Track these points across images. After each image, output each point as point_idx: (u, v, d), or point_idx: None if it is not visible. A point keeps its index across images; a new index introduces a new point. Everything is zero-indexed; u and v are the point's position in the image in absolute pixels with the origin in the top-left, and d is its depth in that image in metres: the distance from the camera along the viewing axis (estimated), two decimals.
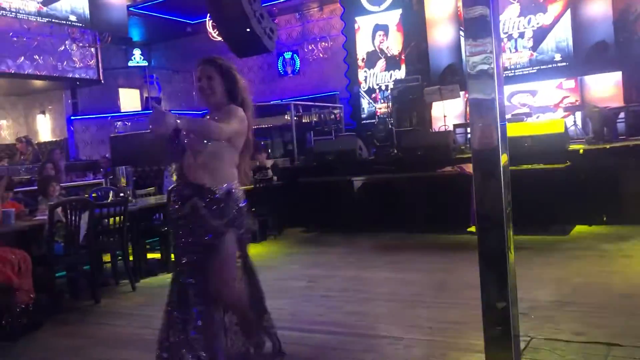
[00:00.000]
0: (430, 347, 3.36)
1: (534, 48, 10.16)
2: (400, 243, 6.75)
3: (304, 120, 11.51)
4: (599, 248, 5.61)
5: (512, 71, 10.24)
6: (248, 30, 7.95)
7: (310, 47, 13.89)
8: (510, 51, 10.32)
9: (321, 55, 13.65)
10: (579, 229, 6.45)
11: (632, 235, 5.88)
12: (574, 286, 4.38)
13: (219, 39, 10.48)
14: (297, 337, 3.76)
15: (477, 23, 2.08)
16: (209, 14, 11.38)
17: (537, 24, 10.09)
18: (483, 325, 2.33)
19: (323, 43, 13.61)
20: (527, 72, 10.16)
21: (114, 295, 5.33)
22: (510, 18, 10.25)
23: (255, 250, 7.03)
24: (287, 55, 14.10)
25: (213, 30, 12.22)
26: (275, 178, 8.36)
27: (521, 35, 10.23)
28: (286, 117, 11.33)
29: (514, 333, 2.36)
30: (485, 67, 2.10)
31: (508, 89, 9.93)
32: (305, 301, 4.62)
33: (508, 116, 8.81)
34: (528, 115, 9.01)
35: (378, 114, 11.84)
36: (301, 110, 11.65)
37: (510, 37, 10.30)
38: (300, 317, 4.18)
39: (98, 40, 12.72)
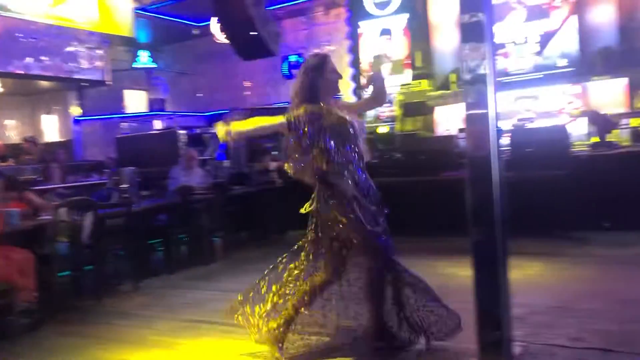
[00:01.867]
0: (424, 352, 3.38)
1: (539, 53, 10.17)
2: (402, 246, 6.73)
3: None
4: (599, 254, 5.61)
5: (517, 76, 10.24)
6: (253, 33, 8.01)
7: (316, 51, 13.93)
8: (516, 56, 10.32)
9: None
10: (581, 235, 6.44)
11: (634, 242, 5.87)
12: (573, 292, 4.39)
13: (225, 41, 10.56)
14: (295, 339, 3.79)
15: (473, 29, 2.10)
16: (214, 17, 11.44)
17: (543, 29, 10.10)
18: (477, 330, 2.35)
19: (328, 47, 13.64)
20: (532, 77, 10.17)
21: (117, 295, 5.38)
22: (514, 24, 10.27)
23: (257, 252, 7.11)
24: (293, 58, 14.14)
25: (219, 33, 12.27)
26: (279, 181, 8.41)
27: (526, 40, 10.23)
28: None
29: (508, 338, 2.37)
30: (480, 72, 2.13)
31: (513, 94, 9.95)
32: None
33: (511, 121, 8.84)
34: (531, 120, 9.02)
35: (382, 117, 11.87)
36: None
37: (515, 43, 10.31)
38: (300, 320, 4.19)
39: (105, 42, 12.80)
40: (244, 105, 13.53)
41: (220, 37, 11.99)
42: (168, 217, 6.58)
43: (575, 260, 5.43)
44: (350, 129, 3.33)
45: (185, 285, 5.72)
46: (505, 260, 2.25)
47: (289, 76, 14.22)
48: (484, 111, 2.11)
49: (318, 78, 3.30)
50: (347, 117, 3.37)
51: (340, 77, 3.48)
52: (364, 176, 3.37)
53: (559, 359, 3.12)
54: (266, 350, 3.54)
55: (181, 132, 10.31)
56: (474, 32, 2.09)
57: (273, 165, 8.71)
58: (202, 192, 6.84)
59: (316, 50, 12.49)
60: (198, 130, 11.93)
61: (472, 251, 2.25)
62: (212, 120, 14.45)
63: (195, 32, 14.87)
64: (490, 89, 2.08)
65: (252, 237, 8.13)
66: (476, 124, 2.10)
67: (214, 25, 12.92)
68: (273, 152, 10.44)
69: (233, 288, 5.37)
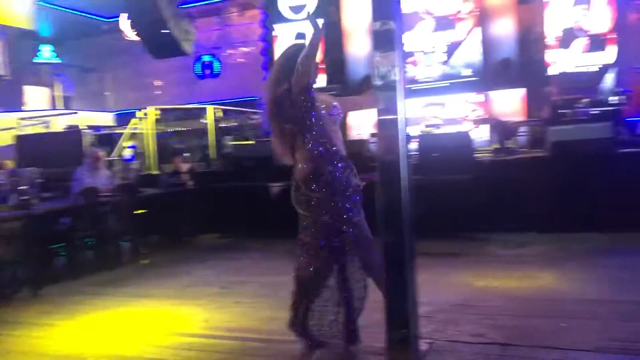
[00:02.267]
0: (334, 349, 3.43)
1: (446, 62, 10.62)
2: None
3: (222, 125, 11.41)
4: (500, 254, 5.95)
5: (425, 84, 10.64)
6: (165, 31, 7.81)
7: (230, 52, 13.80)
8: (423, 65, 10.73)
9: (241, 60, 13.60)
10: (483, 235, 6.78)
11: (531, 242, 6.28)
12: (475, 290, 4.62)
13: (135, 38, 10.21)
14: (208, 344, 3.75)
15: (383, 37, 2.17)
16: (125, 13, 11.03)
17: (449, 39, 10.56)
18: (385, 328, 2.41)
19: (243, 48, 13.56)
20: (439, 85, 10.59)
21: (12, 303, 5.05)
22: (422, 33, 10.67)
23: (168, 256, 6.93)
24: (206, 58, 13.92)
25: (129, 29, 11.85)
26: (190, 183, 8.24)
27: (434, 49, 10.66)
28: (204, 121, 11.19)
29: (415, 335, 2.45)
30: (390, 79, 2.19)
31: (421, 101, 10.32)
32: (218, 307, 4.58)
33: (419, 127, 9.18)
34: (438, 126, 9.41)
35: None
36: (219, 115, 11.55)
37: (424, 52, 10.71)
38: (212, 324, 4.15)
39: (2, 34, 12.00)
40: (155, 104, 13.13)
41: (130, 34, 11.60)
42: (72, 220, 6.27)
43: (477, 260, 5.72)
44: (335, 113, 3.34)
45: (90, 291, 5.47)
46: (413, 260, 2.33)
47: (202, 76, 13.99)
48: (394, 117, 2.18)
49: (294, 65, 3.15)
50: (332, 100, 3.35)
51: (317, 65, 3.40)
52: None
53: (462, 355, 3.27)
54: None
55: (87, 131, 9.85)
56: (384, 40, 2.15)
57: (184, 166, 8.53)
58: (108, 194, 6.58)
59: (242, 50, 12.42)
60: (105, 130, 11.46)
61: (383, 250, 2.32)
62: (121, 119, 13.94)
63: (103, 27, 14.28)
64: (400, 95, 2.15)
65: (162, 241, 7.91)
66: (386, 129, 2.17)
67: (124, 21, 12.46)
68: (184, 154, 10.24)
69: (142, 293, 5.23)
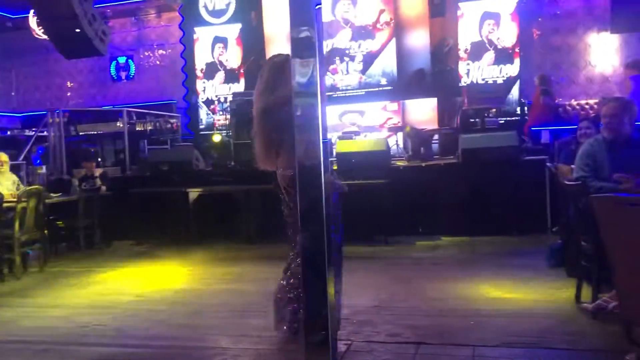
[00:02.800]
0: (258, 355, 3.44)
1: (363, 71, 10.88)
2: (236, 255, 6.79)
3: (138, 128, 11.07)
4: (414, 256, 6.17)
5: (344, 92, 10.86)
6: (78, 30, 7.52)
7: (146, 54, 13.43)
8: (342, 73, 10.94)
9: (158, 63, 13.27)
10: (398, 239, 7.00)
11: (441, 245, 6.56)
12: (392, 292, 4.77)
13: (44, 37, 9.73)
14: (121, 353, 3.64)
15: (303, 43, 2.21)
16: (33, 10, 10.48)
17: (367, 49, 10.84)
18: (304, 331, 2.45)
19: (160, 50, 13.25)
20: (357, 93, 10.83)
21: None
22: (342, 41, 10.89)
23: (80, 264, 6.64)
24: (122, 59, 13.48)
25: (37, 27, 11.27)
26: (104, 188, 7.95)
27: (352, 58, 10.89)
28: (118, 124, 10.82)
29: (333, 337, 2.50)
30: (309, 86, 2.24)
31: (339, 109, 10.52)
32: (132, 316, 4.45)
33: (338, 134, 9.34)
34: (357, 133, 9.62)
35: (216, 125, 11.81)
36: (135, 118, 11.20)
37: (342, 60, 10.92)
38: (125, 333, 4.03)
39: None
40: (66, 106, 12.56)
41: (39, 32, 11.05)
42: None
43: (393, 262, 5.91)
44: None
45: None
46: (331, 263, 2.39)
47: (117, 78, 13.53)
48: (314, 122, 2.23)
49: (281, 76, 3.22)
50: None
51: None
52: None
53: (378, 354, 3.37)
54: None
55: None
56: (303, 47, 2.20)
57: (97, 171, 8.21)
58: (13, 199, 6.22)
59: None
60: (11, 132, 10.83)
61: (301, 254, 2.36)
62: (28, 121, 13.21)
63: (8, 24, 13.48)
64: (319, 101, 2.20)
65: (73, 248, 7.57)
66: (306, 134, 2.22)
67: (32, 19, 11.84)
68: (98, 158, 9.85)
69: (49, 303, 4.98)
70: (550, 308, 4.09)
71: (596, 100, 9.56)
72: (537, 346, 3.34)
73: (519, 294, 4.50)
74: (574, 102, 10.15)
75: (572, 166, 4.40)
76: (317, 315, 2.49)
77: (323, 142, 2.33)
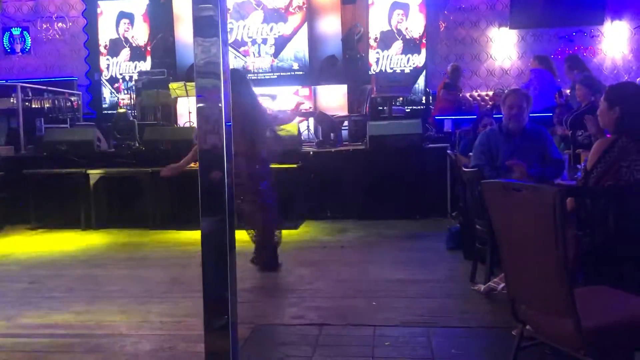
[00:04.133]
0: (160, 341, 3.37)
1: (275, 55, 10.82)
2: (139, 240, 6.57)
3: (34, 105, 10.37)
4: (323, 240, 6.26)
5: (256, 75, 10.74)
6: None
7: (44, 26, 12.55)
8: (254, 55, 10.82)
9: (57, 37, 12.44)
10: (307, 223, 7.08)
11: (349, 229, 6.70)
12: (296, 275, 4.82)
13: None
14: (13, 343, 3.43)
15: (205, 22, 2.14)
16: None
17: (279, 32, 10.77)
18: (204, 316, 2.41)
19: (60, 23, 12.43)
20: (269, 77, 10.76)
21: None
22: (254, 24, 10.75)
23: None
24: (16, 31, 12.53)
25: None
26: None
27: (264, 41, 10.79)
28: (12, 100, 10.08)
29: (234, 321, 2.48)
30: (211, 66, 2.18)
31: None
32: (25, 304, 4.20)
33: None
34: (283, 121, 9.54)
35: (121, 104, 11.32)
36: (31, 94, 10.47)
37: (254, 42, 10.80)
38: (17, 322, 3.80)
39: None
40: None
41: None
42: None
43: (301, 246, 5.95)
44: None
45: None
46: (234, 247, 2.36)
47: (12, 51, 12.59)
48: (218, 104, 2.18)
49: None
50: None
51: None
52: None
53: (281, 336, 3.41)
54: None
55: None
56: (206, 26, 2.13)
57: None
58: None
59: None
60: None
61: (202, 237, 2.32)
62: None
63: None
64: (222, 82, 2.15)
65: None
66: (209, 116, 2.17)
67: None
68: None
69: None
70: (447, 288, 4.31)
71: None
72: (434, 325, 3.50)
73: (420, 275, 4.70)
74: (475, 93, 10.66)
75: (470, 154, 4.64)
76: (219, 299, 2.46)
77: (227, 124, 2.29)
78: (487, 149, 4.26)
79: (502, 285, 3.63)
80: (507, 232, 2.29)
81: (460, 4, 10.92)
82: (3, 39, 12.50)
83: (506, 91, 5.03)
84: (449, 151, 6.52)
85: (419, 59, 10.61)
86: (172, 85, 9.37)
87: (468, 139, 5.61)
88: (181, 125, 9.54)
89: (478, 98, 10.48)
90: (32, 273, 5.13)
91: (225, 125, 2.27)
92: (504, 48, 10.87)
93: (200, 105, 2.21)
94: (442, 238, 5.71)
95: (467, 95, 10.26)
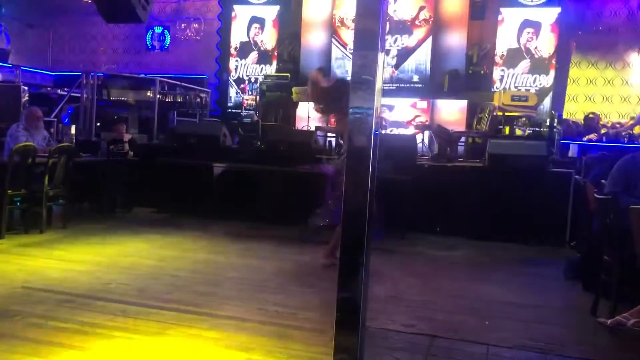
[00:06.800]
0: (277, 330, 3.52)
1: (397, 66, 10.87)
2: (255, 232, 6.85)
3: (167, 99, 11.19)
4: (431, 254, 6.18)
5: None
6: None
7: (182, 26, 13.51)
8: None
9: (193, 36, 13.35)
10: (415, 235, 6.98)
11: (459, 245, 6.56)
12: (407, 285, 4.81)
13: None
14: (143, 312, 3.73)
15: (366, 36, 2.24)
16: None
17: (402, 44, 10.82)
18: (337, 311, 2.53)
19: (197, 24, 13.32)
20: (388, 87, 10.82)
21: None
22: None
23: (100, 225, 6.77)
24: (158, 29, 13.59)
25: None
26: (131, 153, 8.07)
27: (387, 52, 10.88)
28: (149, 93, 10.94)
29: (362, 320, 2.59)
30: (368, 78, 2.27)
31: None
32: (153, 279, 4.55)
33: None
34: (385, 127, 9.63)
35: (245, 104, 11.89)
36: (166, 88, 11.31)
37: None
38: (148, 294, 4.13)
39: None
40: (100, 69, 12.68)
41: None
42: (2, 177, 6.00)
43: (410, 258, 5.94)
44: None
45: (14, 251, 5.28)
46: (369, 252, 2.47)
47: (152, 48, 13.64)
48: (370, 112, 2.29)
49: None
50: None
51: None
52: None
53: (393, 341, 3.43)
54: None
55: (24, 88, 9.42)
56: (367, 40, 2.23)
57: (126, 136, 8.33)
58: (45, 154, 6.34)
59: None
60: (44, 90, 10.98)
61: (342, 239, 2.45)
62: (61, 80, 13.38)
63: None
64: (375, 97, 2.27)
65: (95, 209, 7.71)
66: (361, 125, 2.29)
67: None
68: (126, 124, 9.97)
69: (73, 258, 5.11)
70: (565, 317, 4.12)
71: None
72: (551, 352, 3.37)
73: (534, 300, 4.53)
74: (606, 120, 10.07)
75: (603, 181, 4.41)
76: (351, 299, 2.56)
77: (374, 133, 2.39)
78: (625, 177, 4.04)
79: (633, 320, 3.42)
80: None
81: (598, 25, 10.38)
82: (146, 37, 13.57)
83: None
84: (576, 176, 6.21)
85: (547, 80, 10.21)
86: (295, 90, 9.70)
87: (603, 167, 5.30)
88: (300, 128, 9.85)
89: (608, 125, 9.88)
90: (158, 253, 5.53)
91: (374, 134, 2.38)
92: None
93: (354, 114, 2.31)
94: (557, 266, 5.47)
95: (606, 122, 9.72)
